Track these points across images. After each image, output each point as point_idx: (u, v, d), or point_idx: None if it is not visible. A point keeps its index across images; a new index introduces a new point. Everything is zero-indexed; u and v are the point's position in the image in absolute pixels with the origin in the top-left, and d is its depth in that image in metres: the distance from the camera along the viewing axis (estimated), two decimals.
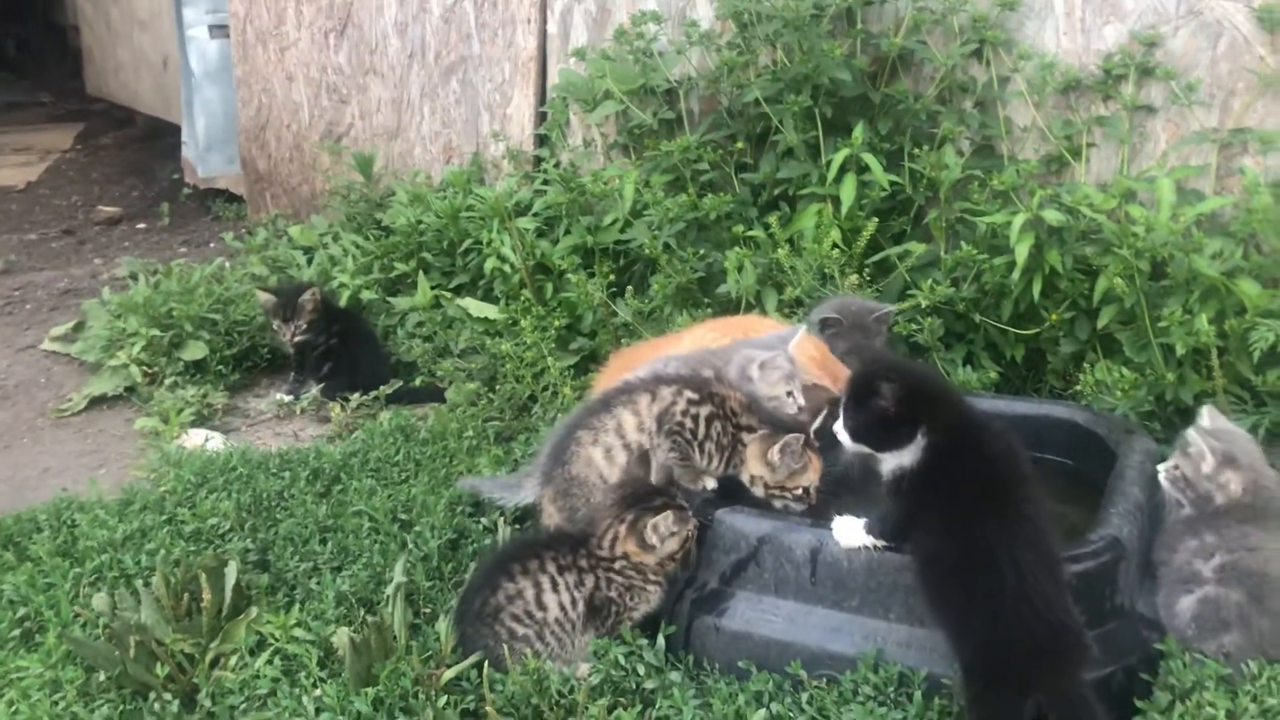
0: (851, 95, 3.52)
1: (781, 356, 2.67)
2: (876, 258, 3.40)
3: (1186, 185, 3.20)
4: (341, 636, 2.23)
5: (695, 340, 2.96)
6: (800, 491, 2.42)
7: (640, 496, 2.27)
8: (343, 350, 4.03)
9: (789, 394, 2.63)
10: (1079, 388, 2.99)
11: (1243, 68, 3.11)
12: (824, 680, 2.15)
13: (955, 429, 2.07)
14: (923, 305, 3.21)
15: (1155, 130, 3.28)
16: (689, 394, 2.44)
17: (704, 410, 2.43)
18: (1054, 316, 3.17)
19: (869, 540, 2.15)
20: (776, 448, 2.39)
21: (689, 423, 2.41)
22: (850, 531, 2.18)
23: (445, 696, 2.14)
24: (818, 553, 2.26)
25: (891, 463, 2.09)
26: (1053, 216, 3.08)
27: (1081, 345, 3.21)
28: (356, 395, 3.81)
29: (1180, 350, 2.87)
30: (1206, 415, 2.47)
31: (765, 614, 2.29)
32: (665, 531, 2.23)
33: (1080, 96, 3.38)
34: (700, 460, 2.44)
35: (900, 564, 2.19)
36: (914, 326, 3.18)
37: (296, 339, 3.98)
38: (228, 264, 4.99)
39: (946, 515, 2.03)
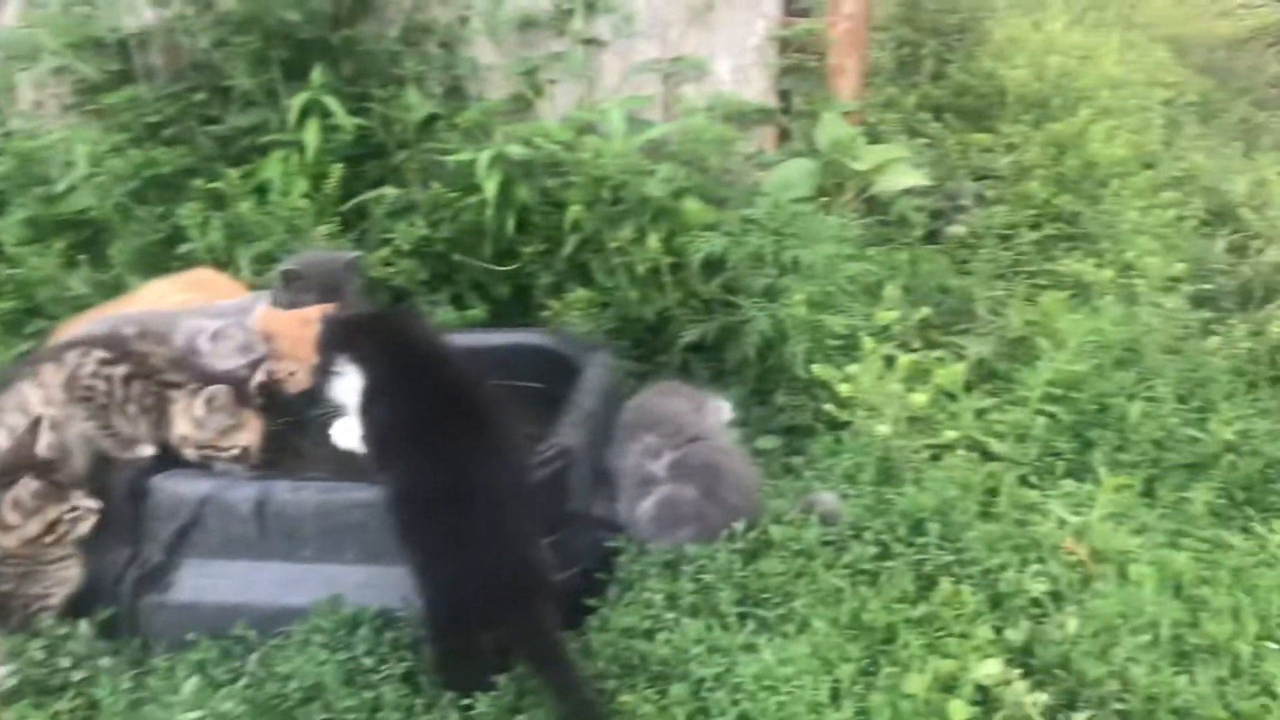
0: (310, 38, 3.36)
1: (235, 326, 2.45)
2: (351, 204, 3.29)
3: (640, 114, 3.35)
4: None
5: (153, 297, 2.71)
6: (237, 451, 2.27)
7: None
8: None
9: (249, 366, 2.43)
10: (547, 313, 3.06)
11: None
12: (282, 636, 2.05)
13: (393, 358, 2.12)
14: (403, 248, 3.15)
15: (608, 63, 3.41)
16: (99, 353, 2.20)
17: (119, 370, 2.21)
18: (528, 250, 3.21)
19: (357, 445, 2.12)
20: (200, 400, 2.23)
21: (102, 384, 2.18)
22: (347, 433, 2.14)
23: None
24: (264, 505, 2.15)
25: (352, 389, 2.11)
26: (515, 151, 3.11)
27: (559, 275, 3.28)
28: None
29: (640, 270, 3.01)
30: None
31: (214, 579, 2.15)
32: (27, 507, 2.00)
33: (538, 34, 3.44)
34: (125, 426, 2.22)
35: (350, 502, 2.13)
36: (391, 270, 3.11)
37: None
38: None
39: (412, 445, 2.02)
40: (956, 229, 3.57)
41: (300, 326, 2.56)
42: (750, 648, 2.00)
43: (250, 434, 2.27)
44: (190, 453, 2.25)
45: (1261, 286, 3.35)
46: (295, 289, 2.83)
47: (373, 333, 2.16)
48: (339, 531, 2.14)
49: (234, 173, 3.14)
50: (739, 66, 3.30)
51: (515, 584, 1.92)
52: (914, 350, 3.09)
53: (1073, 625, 2.07)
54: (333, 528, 2.14)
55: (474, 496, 1.91)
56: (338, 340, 2.15)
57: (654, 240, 2.96)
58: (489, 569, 1.91)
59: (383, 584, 2.09)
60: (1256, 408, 2.80)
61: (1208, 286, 3.30)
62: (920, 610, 2.12)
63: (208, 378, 2.26)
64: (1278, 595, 2.11)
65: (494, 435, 2.03)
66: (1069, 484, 2.56)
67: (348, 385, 2.10)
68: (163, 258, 3.25)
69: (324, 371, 2.13)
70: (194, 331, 2.45)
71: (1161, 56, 6.34)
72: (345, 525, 2.13)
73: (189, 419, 2.22)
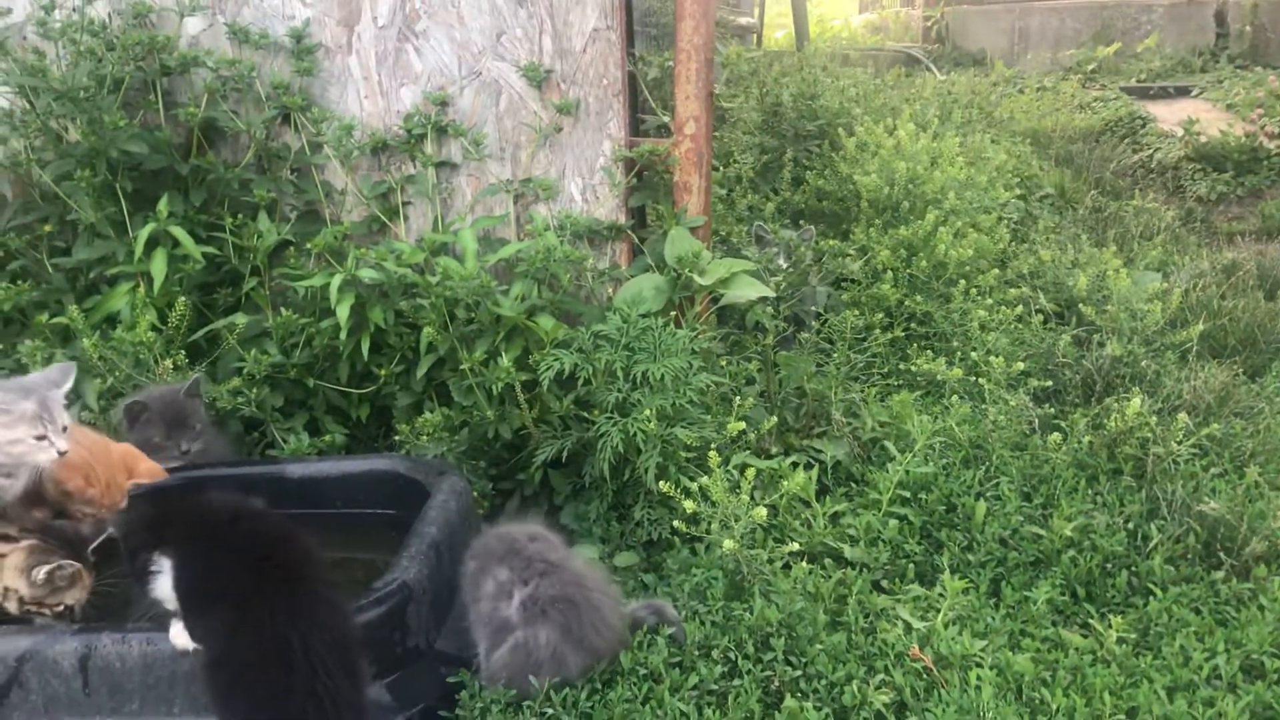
0: (158, 168, 3.34)
1: (14, 396, 2.23)
2: (202, 333, 3.25)
3: (495, 234, 3.39)
4: None
5: None
6: (62, 609, 2.20)
7: None
8: None
9: (39, 438, 2.24)
10: (398, 438, 3.04)
11: (522, 123, 3.36)
12: None
13: (193, 535, 2.04)
14: (256, 376, 3.11)
15: (461, 184, 3.45)
16: None
17: None
18: (384, 372, 3.20)
19: (190, 643, 2.02)
20: (44, 570, 2.16)
21: None
22: (181, 634, 2.03)
23: None
24: (88, 660, 2.07)
25: (165, 581, 2.02)
26: (367, 274, 3.11)
27: (418, 396, 3.26)
28: None
29: (497, 389, 3.00)
30: None
31: None
32: None
33: (391, 157, 3.47)
34: None
35: (174, 652, 2.06)
36: (240, 400, 3.06)
37: None
38: None
39: (224, 614, 1.95)
40: (811, 334, 3.64)
41: (105, 453, 2.44)
42: None
43: (80, 592, 2.21)
44: (11, 606, 2.17)
45: (1102, 380, 3.46)
46: (141, 423, 2.79)
47: (170, 519, 2.07)
48: (166, 683, 2.06)
49: (74, 308, 3.08)
50: (588, 185, 3.36)
51: None
52: (771, 456, 3.13)
53: None
54: (160, 679, 2.06)
55: (285, 660, 1.85)
56: (141, 541, 2.04)
57: (506, 359, 2.96)
58: None
59: None
60: (1097, 502, 2.87)
61: (1049, 383, 3.40)
62: None
63: (50, 531, 2.22)
64: (1110, 695, 2.15)
65: (302, 593, 1.97)
66: (917, 588, 2.59)
67: (165, 581, 2.01)
68: None
69: (142, 574, 2.04)
70: None
71: (1022, 151, 6.64)
72: (172, 676, 2.06)
73: (22, 575, 2.16)
